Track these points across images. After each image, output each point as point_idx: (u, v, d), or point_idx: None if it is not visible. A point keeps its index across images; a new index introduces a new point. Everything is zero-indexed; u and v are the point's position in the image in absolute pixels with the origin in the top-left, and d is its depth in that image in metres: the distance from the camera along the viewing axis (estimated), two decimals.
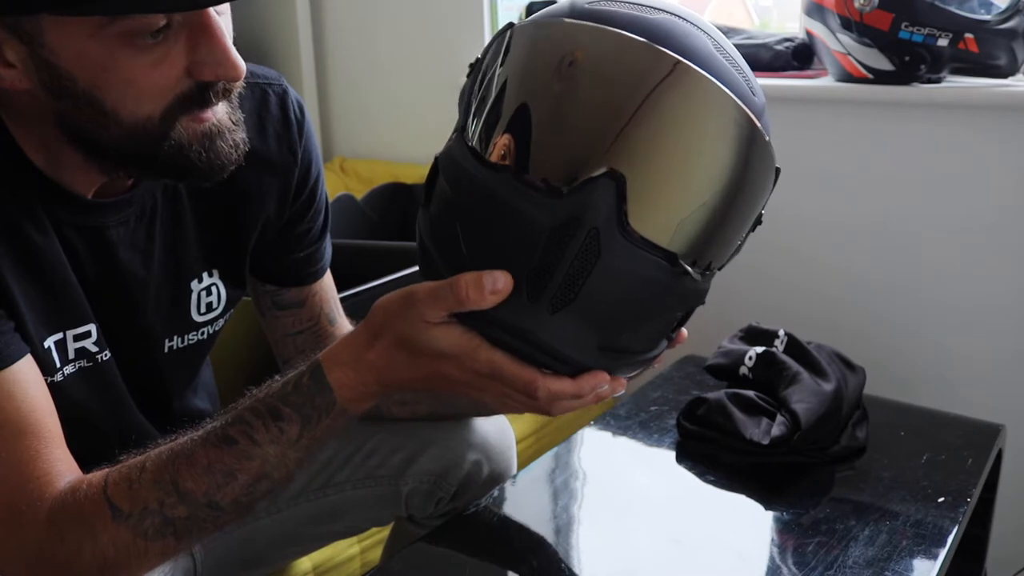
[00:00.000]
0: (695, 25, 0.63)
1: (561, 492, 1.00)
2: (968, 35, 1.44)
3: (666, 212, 0.62)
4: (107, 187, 0.76)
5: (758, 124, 0.62)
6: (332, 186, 2.17)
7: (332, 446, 0.99)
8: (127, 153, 0.69)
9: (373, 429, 1.00)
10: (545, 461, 1.06)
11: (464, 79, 0.70)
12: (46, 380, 0.72)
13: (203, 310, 0.88)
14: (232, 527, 0.71)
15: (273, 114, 0.86)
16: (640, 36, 0.60)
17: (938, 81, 1.52)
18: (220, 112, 0.70)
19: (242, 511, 0.69)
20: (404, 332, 0.65)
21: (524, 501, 0.98)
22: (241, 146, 0.72)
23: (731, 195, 0.63)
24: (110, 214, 0.77)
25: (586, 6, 0.64)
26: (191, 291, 0.86)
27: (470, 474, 1.01)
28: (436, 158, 0.68)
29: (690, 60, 0.60)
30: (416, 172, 2.16)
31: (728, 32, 1.87)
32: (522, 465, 1.07)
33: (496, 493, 0.98)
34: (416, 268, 1.51)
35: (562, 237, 0.60)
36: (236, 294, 0.91)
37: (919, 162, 1.55)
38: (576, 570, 0.85)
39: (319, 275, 0.97)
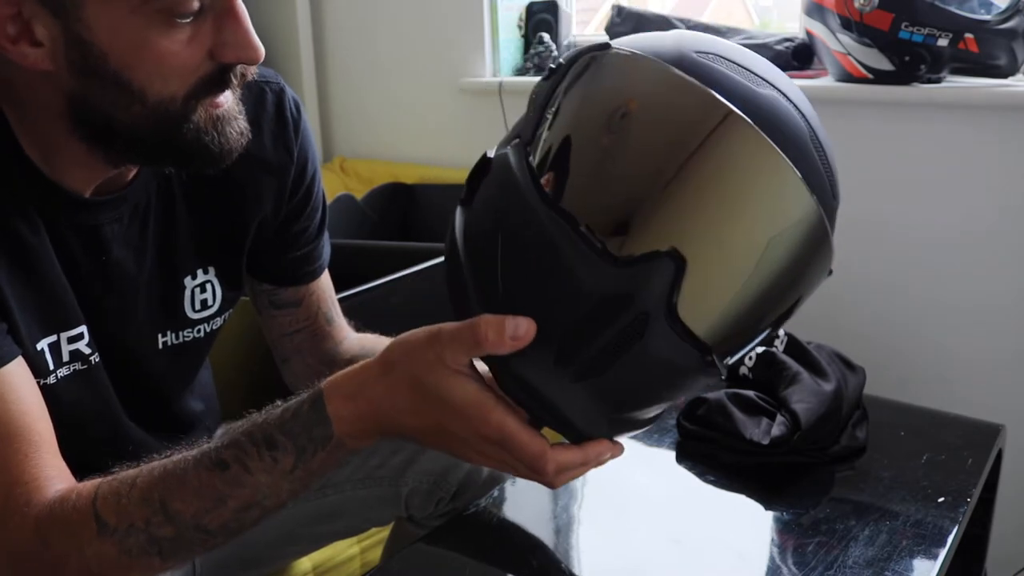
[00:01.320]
0: (797, 108, 0.60)
1: (561, 492, 1.00)
2: (968, 35, 1.44)
3: (713, 303, 0.59)
4: (103, 185, 0.76)
5: (829, 229, 0.60)
6: (332, 186, 2.16)
7: None
8: (143, 137, 0.69)
9: None
10: None
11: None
12: (38, 383, 0.72)
13: (198, 307, 0.87)
14: (220, 546, 0.70)
15: (269, 112, 0.86)
16: (736, 105, 0.56)
17: (938, 81, 1.52)
18: (230, 98, 0.71)
19: (230, 535, 0.68)
20: (419, 372, 0.63)
21: (524, 501, 0.98)
22: (245, 133, 0.73)
23: (780, 296, 0.60)
24: (106, 211, 0.77)
25: (695, 56, 0.59)
26: (184, 287, 0.85)
27: (470, 474, 1.01)
28: (489, 159, 0.64)
29: (781, 147, 0.56)
30: (416, 172, 2.17)
31: (728, 32, 1.87)
32: None
33: (496, 493, 0.98)
34: (416, 268, 1.52)
35: (610, 310, 0.57)
36: (233, 294, 0.91)
37: (919, 162, 1.55)
38: (576, 570, 0.85)
39: (316, 275, 0.97)
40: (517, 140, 0.62)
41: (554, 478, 0.64)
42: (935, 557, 0.85)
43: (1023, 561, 1.49)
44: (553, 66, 0.64)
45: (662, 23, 1.96)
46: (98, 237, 0.77)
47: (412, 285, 1.44)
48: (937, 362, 1.58)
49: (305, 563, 1.18)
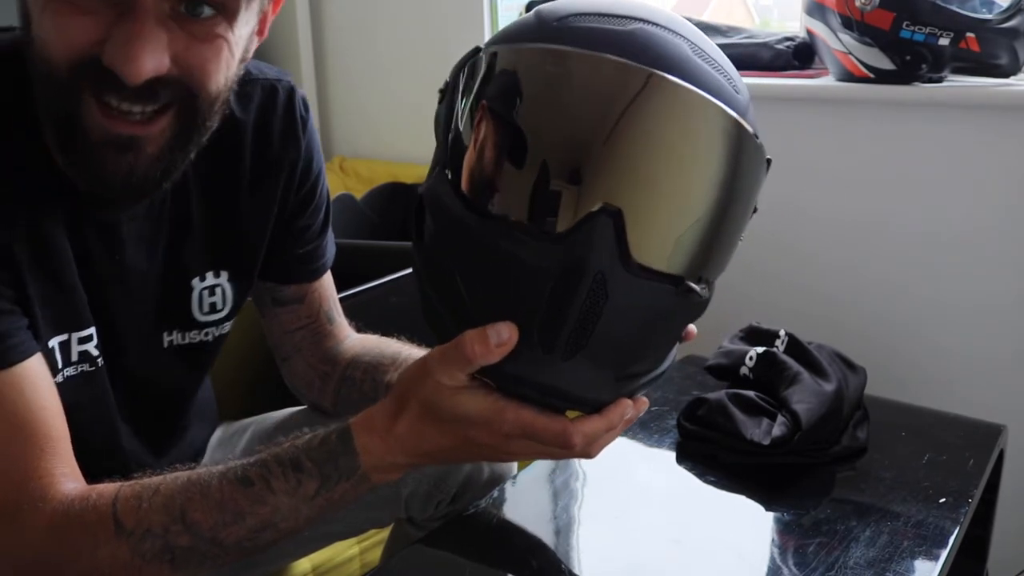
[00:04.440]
0: (670, 30, 0.61)
1: (561, 492, 1.00)
2: (969, 34, 1.43)
3: (665, 235, 0.60)
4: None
5: (745, 125, 0.60)
6: (332, 186, 2.16)
7: None
8: (55, 118, 0.65)
9: None
10: (545, 461, 1.06)
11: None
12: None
13: (206, 309, 0.87)
14: (230, 563, 0.70)
15: (279, 109, 0.86)
16: (611, 52, 0.57)
17: (939, 81, 1.52)
18: (147, 134, 0.65)
19: (243, 554, 0.68)
20: (427, 400, 0.64)
21: (524, 501, 0.98)
22: (154, 180, 0.68)
23: (726, 203, 0.61)
24: (123, 209, 0.77)
25: (554, 24, 0.61)
26: (192, 288, 0.85)
27: (470, 476, 1.00)
28: (420, 195, 0.66)
29: (667, 69, 0.57)
30: (416, 172, 2.16)
31: (728, 31, 1.87)
32: (522, 466, 1.07)
33: (496, 493, 0.98)
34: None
35: (568, 285, 0.58)
36: (243, 299, 0.91)
37: (920, 162, 1.55)
38: (576, 570, 0.85)
39: (319, 273, 0.97)
40: (437, 169, 0.64)
41: (587, 449, 0.66)
42: (936, 558, 0.85)
43: None
44: (440, 89, 0.66)
45: None
46: (116, 235, 0.77)
47: (412, 285, 1.43)
48: (938, 362, 1.58)
49: (305, 563, 1.18)
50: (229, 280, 0.87)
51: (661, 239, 0.60)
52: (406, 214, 2.10)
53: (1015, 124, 1.46)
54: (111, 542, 0.65)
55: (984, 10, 1.47)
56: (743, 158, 0.61)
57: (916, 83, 1.51)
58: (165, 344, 0.86)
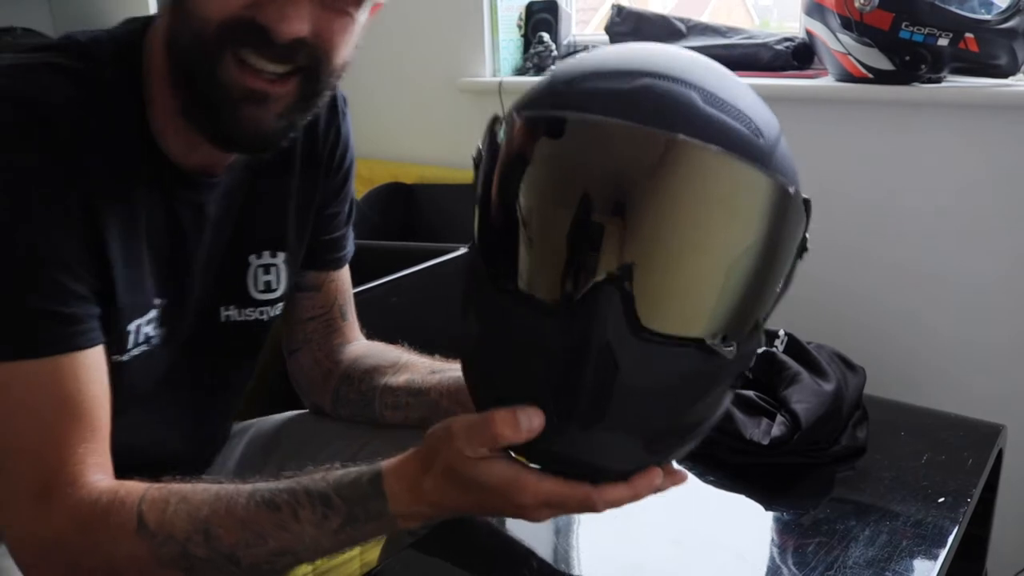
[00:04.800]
0: (679, 80, 0.57)
1: None
2: (968, 35, 1.43)
3: (682, 300, 0.58)
4: (204, 167, 0.79)
5: (769, 177, 0.56)
6: None
7: (334, 446, 0.99)
8: (194, 76, 0.70)
9: (372, 434, 1.00)
10: None
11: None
12: (113, 359, 0.73)
13: (261, 287, 0.90)
14: None
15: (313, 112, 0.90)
16: (617, 114, 0.55)
17: (938, 81, 1.52)
18: (277, 92, 0.71)
19: (257, 575, 0.69)
20: (450, 463, 0.64)
21: None
22: (278, 136, 0.74)
23: (756, 262, 0.58)
24: (211, 192, 0.81)
25: (563, 88, 0.60)
26: (248, 264, 0.88)
27: None
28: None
29: (676, 127, 0.54)
30: (416, 172, 2.16)
31: (727, 32, 1.87)
32: None
33: None
34: (416, 268, 1.52)
35: (576, 357, 0.57)
36: (292, 282, 0.94)
37: (919, 162, 1.55)
38: (576, 570, 0.85)
39: (340, 264, 0.99)
40: (471, 244, 0.65)
41: (611, 508, 0.66)
42: (935, 557, 0.85)
43: (1023, 562, 1.49)
44: (473, 156, 0.65)
45: (662, 23, 1.96)
46: (203, 213, 0.81)
47: (412, 285, 1.44)
48: (937, 362, 1.58)
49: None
50: (285, 262, 0.91)
51: (678, 304, 0.58)
52: (406, 214, 2.11)
53: (1014, 124, 1.46)
54: (132, 540, 0.66)
55: (983, 11, 1.47)
56: (775, 214, 0.58)
57: (915, 83, 1.51)
58: (222, 318, 0.88)
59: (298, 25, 0.67)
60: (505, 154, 0.60)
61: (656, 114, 0.55)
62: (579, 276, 0.56)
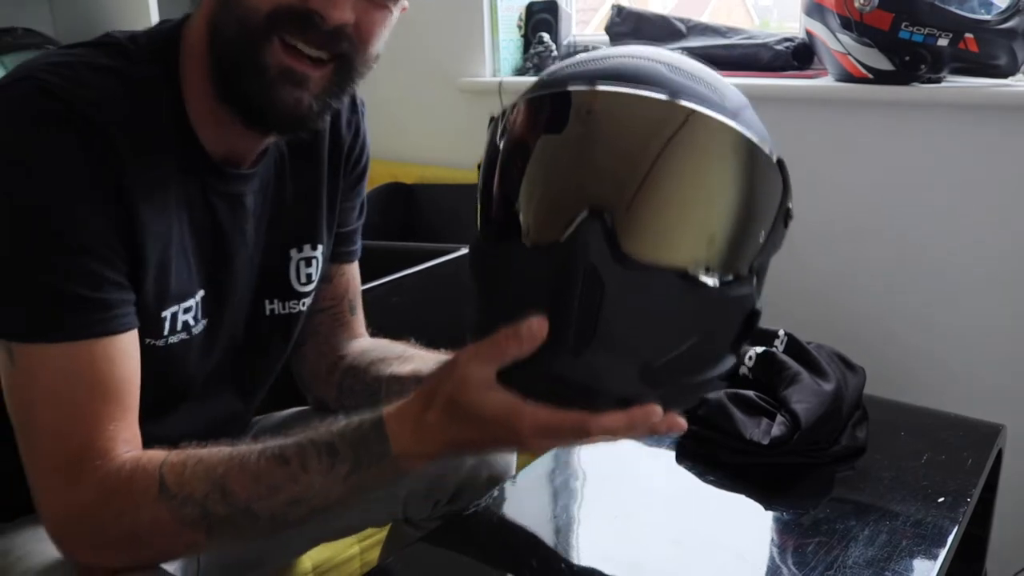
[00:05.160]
0: (646, 58, 0.66)
1: (561, 492, 1.00)
2: (968, 35, 1.43)
3: (661, 231, 0.63)
4: (238, 158, 0.82)
5: (731, 123, 0.63)
6: None
7: None
8: (238, 60, 0.73)
9: None
10: (545, 461, 1.06)
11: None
12: (147, 343, 0.76)
13: (303, 280, 0.93)
14: (259, 538, 0.74)
15: (345, 100, 0.92)
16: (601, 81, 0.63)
17: (938, 81, 1.52)
18: (315, 75, 0.74)
19: (275, 527, 0.72)
20: (451, 396, 0.67)
21: (524, 501, 0.98)
22: (314, 112, 0.76)
23: (728, 203, 0.65)
24: (246, 183, 0.83)
25: (546, 77, 0.69)
26: (291, 258, 0.91)
27: (468, 477, 1.01)
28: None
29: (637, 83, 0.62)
30: (416, 172, 2.16)
31: (727, 32, 1.87)
32: (522, 465, 1.07)
33: (496, 493, 0.98)
34: (416, 268, 1.52)
35: (565, 283, 0.62)
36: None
37: (919, 162, 1.55)
38: (576, 570, 0.85)
39: (351, 257, 1.01)
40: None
41: (606, 439, 0.68)
42: (935, 557, 0.85)
43: (1023, 561, 1.49)
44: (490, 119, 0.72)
45: (662, 23, 1.96)
46: (242, 207, 0.83)
47: (413, 285, 1.44)
48: (937, 362, 1.58)
49: (305, 563, 1.18)
50: (322, 254, 0.94)
51: (654, 233, 0.63)
52: (406, 214, 2.11)
53: (1014, 124, 1.46)
54: (154, 504, 0.68)
55: (983, 11, 1.47)
56: (732, 154, 0.65)
57: (915, 84, 1.51)
58: (267, 311, 0.91)
59: (345, 13, 0.72)
60: (506, 134, 0.68)
61: (630, 80, 0.63)
62: (568, 214, 0.62)
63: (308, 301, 0.95)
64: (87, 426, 0.69)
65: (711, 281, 0.64)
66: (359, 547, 1.27)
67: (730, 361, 0.70)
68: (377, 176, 2.19)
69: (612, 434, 0.67)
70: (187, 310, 0.80)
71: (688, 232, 0.64)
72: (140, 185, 0.72)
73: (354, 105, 0.96)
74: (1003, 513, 1.19)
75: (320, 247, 0.93)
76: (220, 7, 0.74)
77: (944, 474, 0.99)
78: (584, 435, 0.66)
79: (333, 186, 0.94)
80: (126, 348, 0.72)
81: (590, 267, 0.61)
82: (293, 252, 0.91)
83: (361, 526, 1.09)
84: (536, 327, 0.63)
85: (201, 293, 0.81)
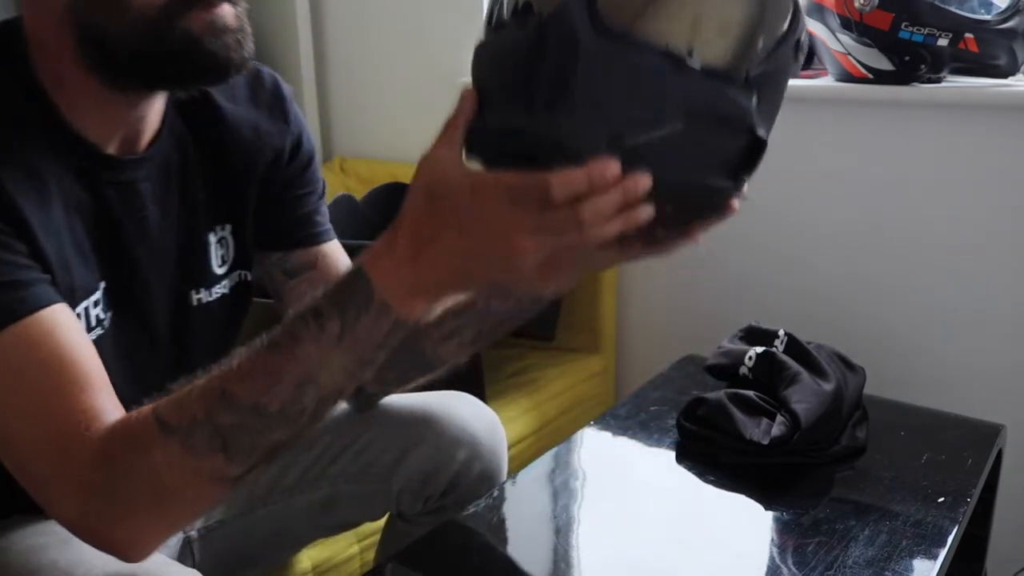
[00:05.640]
0: None
1: (561, 492, 1.00)
2: (968, 35, 1.44)
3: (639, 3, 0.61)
4: (127, 145, 0.79)
5: None
6: (332, 186, 2.16)
7: (327, 438, 1.00)
8: (136, 49, 0.70)
9: (365, 426, 1.01)
10: (545, 461, 1.06)
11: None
12: None
13: (219, 262, 0.89)
14: (283, 444, 0.69)
15: (267, 88, 0.91)
16: None
17: (938, 81, 1.52)
18: (227, 11, 0.72)
19: (289, 423, 0.67)
20: (425, 181, 0.66)
21: (524, 501, 0.98)
22: (249, 47, 0.74)
23: None
24: (138, 169, 0.80)
25: None
26: (208, 243, 0.88)
27: (460, 472, 1.01)
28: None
29: None
30: None
31: None
32: (522, 465, 1.07)
33: (496, 493, 0.98)
34: None
35: (541, 46, 0.62)
36: (248, 250, 0.92)
37: (919, 162, 1.55)
38: (576, 570, 0.85)
39: (322, 238, 0.97)
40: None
41: (576, 212, 0.60)
42: (935, 557, 0.85)
43: (1023, 561, 1.49)
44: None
45: None
46: (137, 195, 0.80)
47: None
48: (937, 362, 1.59)
49: (305, 563, 1.18)
50: (231, 233, 0.90)
51: (632, 7, 0.61)
52: None
53: (1014, 124, 1.46)
54: (160, 445, 0.65)
55: (983, 11, 1.47)
56: None
57: (915, 84, 1.51)
58: (194, 302, 0.87)
59: None
60: None
61: None
62: None
63: (230, 282, 0.91)
64: (58, 402, 0.66)
65: (691, 61, 0.61)
66: (359, 547, 1.27)
67: (725, 185, 0.66)
68: (377, 176, 2.20)
69: (573, 192, 0.60)
70: (96, 303, 0.78)
71: (671, 5, 0.61)
72: (11, 181, 0.69)
73: (279, 95, 0.93)
74: (1003, 513, 1.19)
75: (228, 226, 0.90)
76: (89, 9, 0.70)
77: (944, 474, 0.99)
78: (547, 197, 0.60)
79: (253, 171, 0.90)
80: (63, 320, 0.69)
81: (567, 30, 0.60)
82: (210, 236, 0.88)
83: (359, 521, 1.09)
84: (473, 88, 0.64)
85: (103, 285, 0.79)
